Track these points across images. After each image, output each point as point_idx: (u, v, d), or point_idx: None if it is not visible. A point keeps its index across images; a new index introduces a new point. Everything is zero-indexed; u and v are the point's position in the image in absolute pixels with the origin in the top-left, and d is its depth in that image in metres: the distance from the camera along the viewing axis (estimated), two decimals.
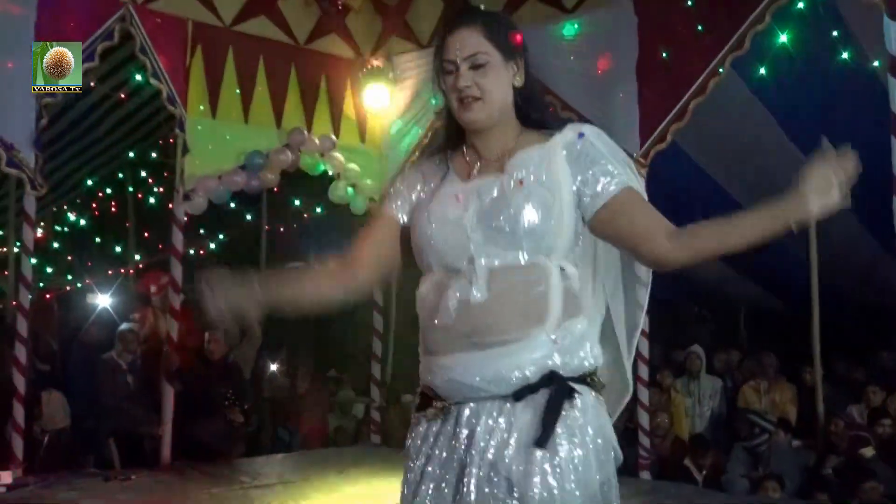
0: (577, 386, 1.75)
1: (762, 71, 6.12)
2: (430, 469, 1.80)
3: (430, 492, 1.79)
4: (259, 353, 7.69)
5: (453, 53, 1.86)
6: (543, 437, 1.67)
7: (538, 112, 1.96)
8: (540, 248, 1.78)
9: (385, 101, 6.80)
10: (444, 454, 1.79)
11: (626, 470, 5.74)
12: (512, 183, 1.81)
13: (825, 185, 1.76)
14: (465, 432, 1.77)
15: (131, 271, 10.01)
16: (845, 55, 5.94)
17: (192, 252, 7.31)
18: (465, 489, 1.72)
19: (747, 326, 11.18)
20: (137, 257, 10.15)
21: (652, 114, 5.55)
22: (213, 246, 10.60)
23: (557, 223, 1.78)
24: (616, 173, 1.82)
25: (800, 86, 6.32)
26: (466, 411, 1.78)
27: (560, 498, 1.66)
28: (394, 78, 6.80)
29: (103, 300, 9.77)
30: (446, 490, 1.77)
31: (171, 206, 6.51)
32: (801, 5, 5.32)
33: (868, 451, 5.81)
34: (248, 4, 6.24)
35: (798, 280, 7.46)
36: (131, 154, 9.23)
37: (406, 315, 7.59)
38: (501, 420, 1.74)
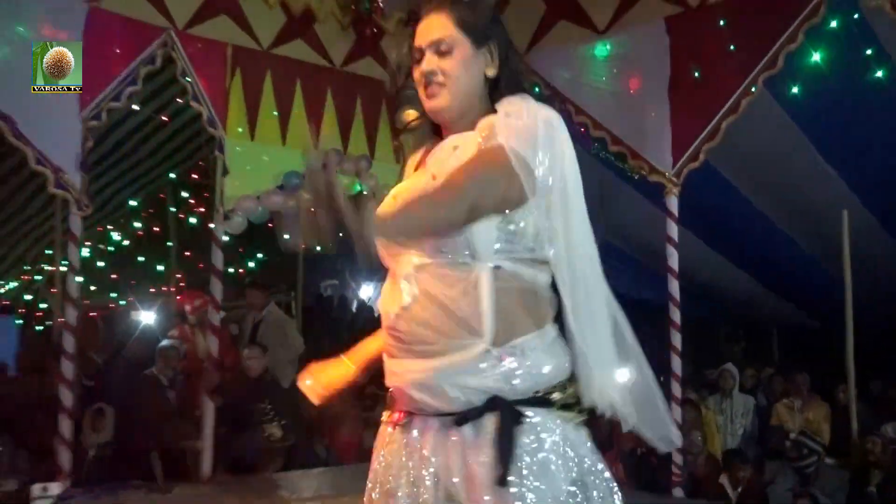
0: (528, 409, 1.61)
1: (795, 90, 6.08)
2: (387, 475, 1.73)
3: (378, 495, 1.73)
4: (299, 369, 7.68)
5: (420, 40, 1.76)
6: (502, 476, 1.54)
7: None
8: (458, 246, 1.62)
9: (415, 120, 6.79)
10: (399, 461, 1.70)
11: (659, 487, 5.68)
12: (427, 179, 1.69)
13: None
14: (417, 446, 1.67)
15: (172, 289, 10.10)
16: (879, 73, 5.87)
17: (231, 270, 7.34)
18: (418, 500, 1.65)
19: (780, 345, 11.06)
20: (178, 276, 10.24)
21: (684, 133, 5.50)
22: (251, 265, 10.69)
23: None
24: (501, 131, 1.63)
25: (833, 104, 6.25)
26: (417, 423, 1.69)
27: None
28: None
29: (146, 317, 9.91)
30: (400, 496, 1.68)
31: (211, 225, 6.56)
32: (834, 24, 5.26)
33: None
34: (286, 28, 6.28)
35: (832, 299, 7.35)
36: (173, 175, 9.35)
37: None
38: (453, 439, 1.62)
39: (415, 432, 1.68)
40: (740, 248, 8.56)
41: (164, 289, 10.31)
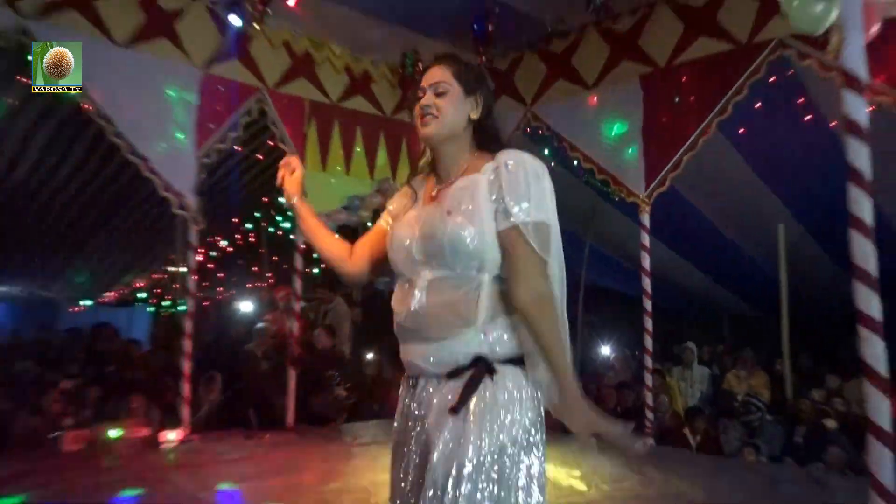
0: (501, 366, 1.66)
1: (741, 130, 5.98)
2: (400, 419, 1.81)
3: (398, 427, 1.80)
4: (356, 345, 7.70)
5: (424, 82, 1.80)
6: (458, 405, 1.62)
7: (491, 142, 1.80)
8: (469, 265, 1.67)
9: None
10: (408, 408, 1.77)
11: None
12: (442, 214, 1.70)
13: (592, 427, 1.71)
14: (418, 396, 1.74)
15: (264, 285, 10.15)
16: (808, 117, 5.76)
17: (307, 271, 7.37)
18: (412, 434, 1.73)
19: (730, 328, 10.89)
20: (269, 274, 10.31)
21: (654, 165, 5.42)
22: (324, 265, 10.69)
23: (480, 244, 1.65)
24: (514, 209, 1.65)
25: (771, 141, 6.14)
26: (421, 382, 1.75)
27: (462, 440, 1.58)
28: None
29: (244, 306, 9.97)
30: (408, 428, 1.75)
31: (292, 236, 6.59)
32: (772, 79, 5.16)
33: (830, 423, 5.57)
34: (350, 87, 6.30)
35: (770, 293, 7.23)
36: (264, 198, 9.40)
37: None
38: (441, 390, 1.69)
39: (419, 389, 1.74)
40: (698, 253, 8.45)
41: (258, 284, 10.37)
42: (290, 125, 5.91)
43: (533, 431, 1.68)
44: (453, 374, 1.67)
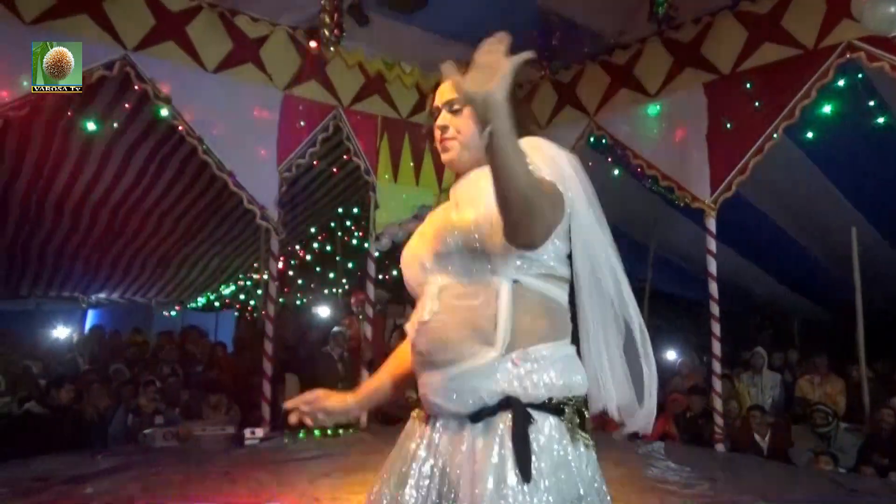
0: (535, 413, 1.28)
1: (809, 134, 5.75)
2: (403, 462, 1.42)
3: (393, 482, 1.42)
4: None
5: (437, 100, 1.52)
6: (524, 471, 1.22)
7: None
8: (483, 265, 1.34)
9: None
10: (416, 454, 1.40)
11: (704, 443, 5.44)
12: (449, 209, 1.44)
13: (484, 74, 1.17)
14: (434, 443, 1.37)
15: (340, 291, 10.34)
16: (880, 120, 5.49)
17: (381, 277, 7.49)
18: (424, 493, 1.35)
19: (800, 332, 10.42)
20: (344, 281, 10.49)
21: (720, 170, 5.30)
22: (395, 272, 10.80)
23: (489, 232, 1.30)
24: (535, 168, 1.30)
25: (841, 144, 5.88)
26: (438, 424, 1.38)
27: None
28: None
29: (322, 311, 10.17)
30: (410, 484, 1.38)
31: (366, 244, 6.71)
32: (841, 82, 4.95)
33: None
34: (419, 103, 6.39)
35: (842, 296, 6.89)
36: (340, 210, 9.57)
37: None
38: (464, 435, 1.31)
39: (435, 431, 1.38)
40: (766, 257, 8.15)
41: (334, 291, 10.56)
42: (363, 140, 6.05)
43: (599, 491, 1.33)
44: (477, 417, 1.30)
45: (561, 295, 1.38)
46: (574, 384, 1.33)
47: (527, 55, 1.23)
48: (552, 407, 1.30)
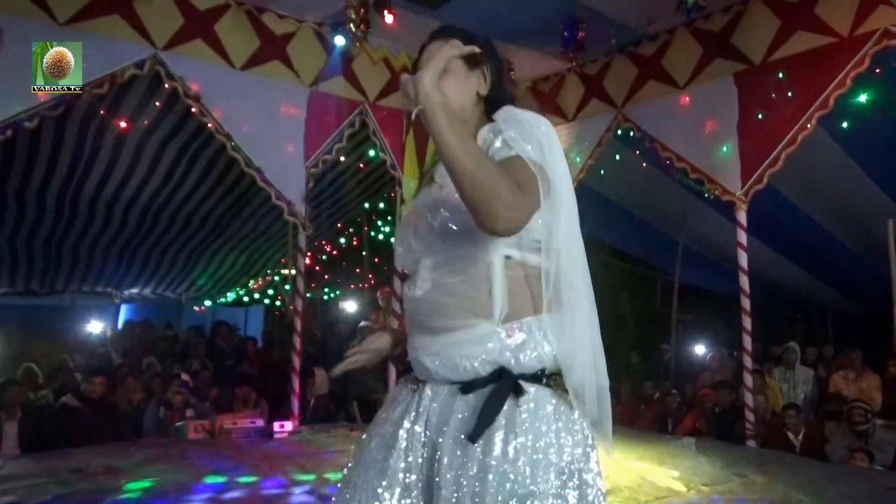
0: (530, 385, 1.31)
1: (844, 125, 5.62)
2: (387, 426, 1.43)
3: (375, 444, 1.43)
4: None
5: (421, 63, 1.48)
6: (476, 431, 1.26)
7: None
8: (472, 244, 1.34)
9: None
10: (405, 418, 1.40)
11: (735, 439, 5.37)
12: (436, 189, 1.44)
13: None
14: (421, 407, 1.39)
15: (366, 286, 10.39)
16: None
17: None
18: (408, 458, 1.37)
19: (834, 327, 10.22)
20: (370, 275, 10.54)
21: (751, 162, 5.20)
22: None
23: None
24: (515, 146, 1.32)
25: (877, 135, 5.74)
26: (428, 391, 1.39)
27: (478, 496, 1.23)
28: None
29: (348, 306, 10.24)
30: (392, 454, 1.38)
31: (392, 240, 6.72)
32: (878, 70, 4.82)
33: None
34: None
35: (878, 290, 6.73)
36: (366, 205, 9.59)
37: None
38: (456, 405, 1.33)
39: (424, 397, 1.40)
40: (798, 250, 8.00)
41: (361, 285, 10.62)
42: (389, 135, 6.06)
43: (585, 469, 1.31)
44: (469, 387, 1.33)
45: (547, 266, 1.38)
46: (559, 355, 1.35)
47: (464, 49, 1.35)
48: (545, 377, 1.32)
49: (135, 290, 10.26)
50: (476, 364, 1.32)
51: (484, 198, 1.17)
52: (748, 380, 5.35)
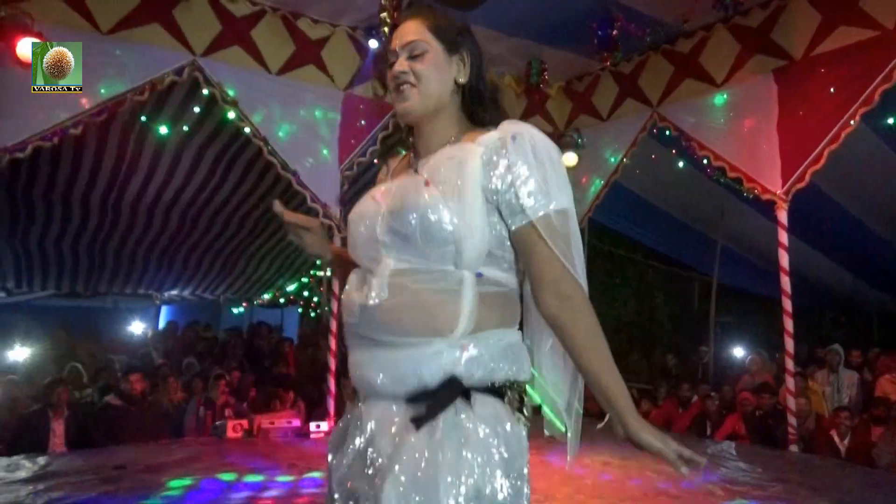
0: (480, 395, 1.23)
1: (890, 121, 5.46)
2: (334, 457, 1.36)
3: (333, 475, 1.35)
4: None
5: (394, 44, 1.38)
6: (422, 420, 1.19)
7: (486, 110, 1.39)
8: (444, 255, 1.24)
9: (574, 161, 6.67)
10: (346, 444, 1.33)
11: (776, 444, 5.25)
12: (417, 184, 1.28)
13: (659, 444, 1.20)
14: (364, 424, 1.30)
15: None
16: None
17: None
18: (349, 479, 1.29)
19: (880, 328, 9.92)
20: None
21: (792, 160, 5.09)
22: None
23: (461, 228, 1.23)
24: (528, 200, 1.24)
25: None
26: (371, 406, 1.30)
27: (429, 484, 1.15)
28: (581, 144, 6.69)
29: None
30: (340, 474, 1.32)
31: None
32: None
33: None
34: None
35: None
36: None
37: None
38: (396, 416, 1.25)
39: (367, 414, 1.30)
40: (842, 250, 7.80)
41: None
42: None
43: (520, 481, 1.25)
44: (416, 398, 1.23)
45: (514, 283, 1.33)
46: (519, 371, 1.30)
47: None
48: (494, 390, 1.26)
49: (174, 292, 10.47)
50: (426, 376, 1.23)
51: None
52: (790, 383, 5.24)
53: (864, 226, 7.14)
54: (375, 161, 6.59)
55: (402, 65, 1.35)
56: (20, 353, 7.03)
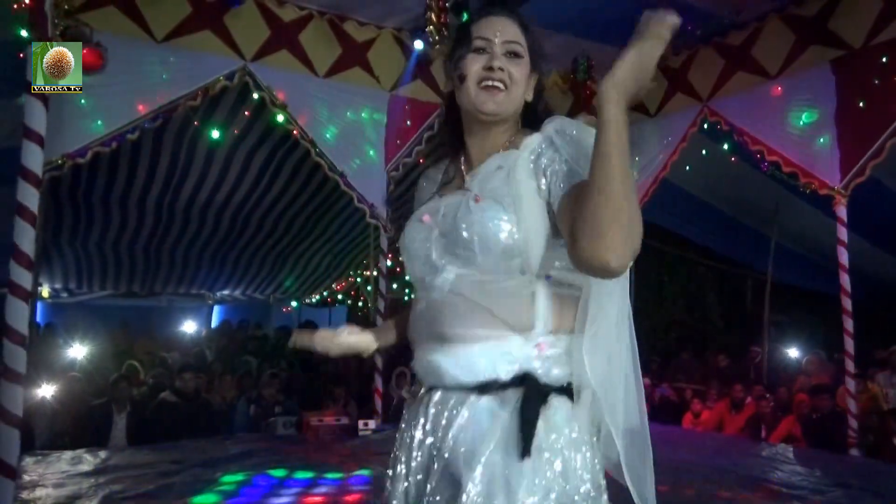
0: (556, 395, 1.19)
1: None
2: (399, 450, 1.34)
3: (397, 468, 1.33)
4: None
5: (492, 33, 1.27)
6: (525, 448, 1.12)
7: (539, 122, 1.28)
8: (509, 266, 1.20)
9: None
10: (412, 436, 1.29)
11: (834, 447, 5.07)
12: (467, 202, 1.23)
13: (639, 69, 1.13)
14: (430, 418, 1.25)
15: None
16: None
17: None
18: (418, 476, 1.26)
19: None
20: None
21: (851, 154, 4.92)
22: None
23: (522, 238, 1.19)
24: (568, 170, 1.16)
25: None
26: (435, 396, 1.26)
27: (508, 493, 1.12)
28: None
29: None
30: (403, 470, 1.30)
31: None
32: None
33: None
34: None
35: None
36: None
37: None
38: (465, 412, 1.19)
39: (432, 406, 1.26)
40: None
41: None
42: None
43: (602, 484, 1.22)
44: (486, 388, 1.19)
45: (585, 284, 1.23)
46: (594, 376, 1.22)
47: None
48: (570, 391, 1.21)
49: (226, 292, 10.74)
50: (500, 368, 1.19)
51: (622, 233, 1.01)
52: (850, 384, 5.05)
53: None
54: (421, 161, 6.65)
55: (502, 61, 1.27)
56: (81, 351, 7.32)
